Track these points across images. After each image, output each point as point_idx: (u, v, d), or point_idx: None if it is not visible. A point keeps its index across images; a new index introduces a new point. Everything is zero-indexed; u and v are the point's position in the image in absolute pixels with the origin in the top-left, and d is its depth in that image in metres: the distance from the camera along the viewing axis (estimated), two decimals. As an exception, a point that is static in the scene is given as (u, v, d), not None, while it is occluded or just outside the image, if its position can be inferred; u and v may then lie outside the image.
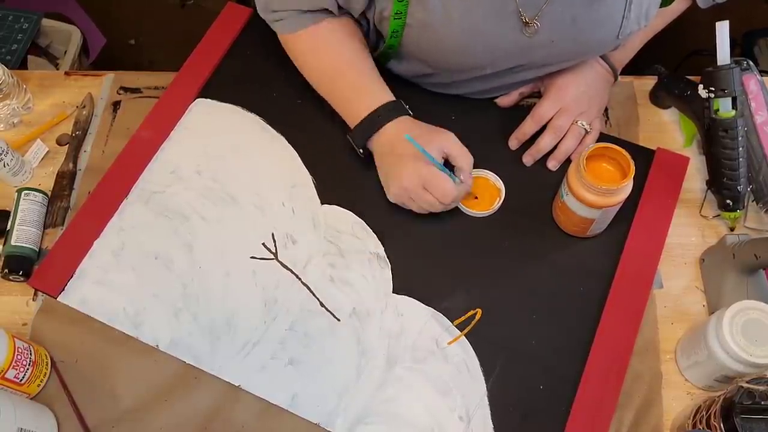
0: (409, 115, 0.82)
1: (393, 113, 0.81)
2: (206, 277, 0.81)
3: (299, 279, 0.81)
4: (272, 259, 0.83)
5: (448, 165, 0.80)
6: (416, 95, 0.90)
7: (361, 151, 0.84)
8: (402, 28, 0.78)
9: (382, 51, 0.85)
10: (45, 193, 0.87)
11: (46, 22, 1.35)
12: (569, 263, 0.82)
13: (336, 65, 0.84)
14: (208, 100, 0.93)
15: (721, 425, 0.65)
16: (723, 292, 0.78)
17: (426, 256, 0.82)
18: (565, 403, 0.74)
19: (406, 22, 0.77)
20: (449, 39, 0.76)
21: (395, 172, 0.80)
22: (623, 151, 0.75)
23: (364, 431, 0.73)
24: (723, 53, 0.76)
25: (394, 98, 0.82)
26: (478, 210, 0.84)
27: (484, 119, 0.90)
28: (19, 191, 0.85)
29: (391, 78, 0.87)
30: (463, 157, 0.79)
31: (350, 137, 0.83)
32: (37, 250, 0.84)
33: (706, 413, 0.67)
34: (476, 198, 0.85)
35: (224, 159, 0.89)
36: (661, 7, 0.81)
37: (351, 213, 0.85)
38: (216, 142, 0.90)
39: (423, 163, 0.77)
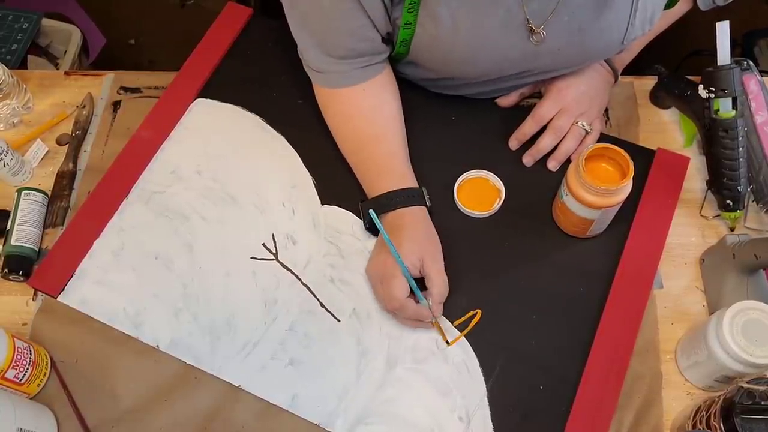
0: (425, 205, 0.80)
1: (409, 201, 0.78)
2: (206, 278, 0.81)
3: (299, 279, 0.81)
4: (272, 259, 0.83)
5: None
6: (417, 95, 0.90)
7: (366, 225, 0.81)
8: (411, 37, 0.77)
9: (390, 57, 0.85)
10: (45, 193, 0.87)
11: (46, 22, 1.34)
12: (569, 263, 0.82)
13: (368, 134, 0.82)
14: (209, 100, 0.93)
15: (721, 425, 0.64)
16: (723, 292, 0.78)
17: (426, 256, 0.82)
18: (565, 403, 0.74)
19: (415, 32, 0.76)
20: (457, 50, 0.75)
21: (373, 252, 0.80)
22: (622, 151, 0.75)
23: (364, 431, 0.73)
24: (723, 53, 0.76)
25: (416, 185, 0.80)
26: (478, 210, 0.84)
27: (484, 119, 0.90)
28: (19, 191, 0.85)
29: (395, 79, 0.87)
30: (436, 284, 0.74)
31: (361, 207, 0.82)
32: (37, 249, 0.84)
33: (706, 413, 0.67)
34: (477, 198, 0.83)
35: (224, 159, 0.89)
36: (665, 9, 0.81)
37: (351, 213, 0.85)
38: (216, 142, 0.90)
39: (392, 258, 0.74)
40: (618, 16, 0.75)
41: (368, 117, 0.82)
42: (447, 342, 0.77)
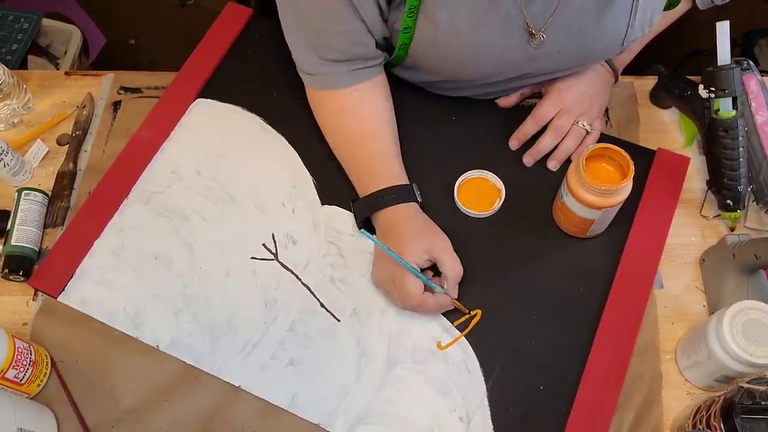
0: (417, 201, 0.80)
1: (400, 198, 0.78)
2: (206, 278, 0.81)
3: (299, 279, 0.81)
4: (272, 259, 0.83)
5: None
6: (417, 96, 0.90)
7: (359, 224, 0.81)
8: (410, 41, 0.77)
9: (389, 61, 0.85)
10: (45, 193, 0.87)
11: (46, 22, 1.34)
12: (569, 264, 0.82)
13: (359, 134, 0.82)
14: (209, 100, 0.93)
15: (721, 425, 0.64)
16: (723, 292, 0.78)
17: (426, 256, 0.82)
18: (565, 403, 0.74)
19: (414, 36, 0.76)
20: (456, 52, 0.75)
21: (377, 258, 0.80)
22: (623, 151, 0.75)
23: (364, 431, 0.73)
24: (723, 53, 0.76)
25: (407, 182, 0.80)
26: (478, 210, 0.84)
27: (484, 120, 0.90)
28: (20, 191, 0.85)
29: (394, 81, 0.86)
30: (449, 266, 0.75)
31: (353, 207, 0.82)
32: (38, 250, 0.84)
33: (706, 413, 0.67)
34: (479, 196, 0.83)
35: (224, 159, 0.89)
36: (664, 10, 0.81)
37: (351, 213, 0.85)
38: (216, 142, 0.90)
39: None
40: (618, 18, 0.75)
41: (359, 118, 0.82)
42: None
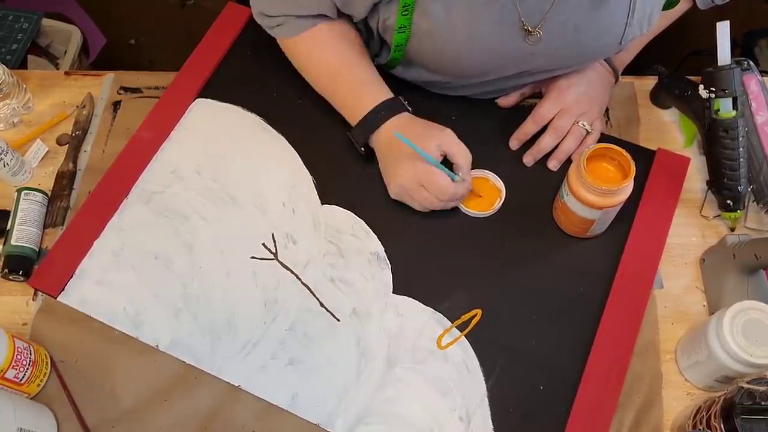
0: (408, 111, 0.83)
1: (392, 111, 0.81)
2: (206, 277, 0.81)
3: (299, 279, 0.81)
4: (272, 259, 0.83)
5: (448, 163, 0.80)
6: (417, 96, 0.90)
7: (362, 149, 0.84)
8: (405, 42, 0.78)
9: (387, 62, 0.86)
10: (45, 193, 0.87)
11: (46, 22, 1.34)
12: (570, 264, 0.82)
13: (335, 65, 0.84)
14: (209, 100, 0.93)
15: (722, 426, 0.64)
16: (723, 292, 0.78)
17: (426, 256, 0.82)
18: (565, 403, 0.74)
19: (409, 35, 0.77)
20: (452, 47, 0.76)
21: (393, 171, 0.81)
22: (624, 151, 0.75)
23: (364, 431, 0.73)
24: (723, 53, 0.76)
25: (392, 96, 0.83)
26: (478, 210, 0.84)
27: (484, 119, 0.90)
28: (19, 191, 0.85)
29: (393, 81, 0.87)
30: (461, 154, 0.79)
31: (351, 135, 0.84)
32: (37, 249, 0.84)
33: (707, 413, 0.67)
34: (480, 196, 0.84)
35: (224, 159, 0.89)
36: (663, 9, 0.81)
37: (351, 213, 0.85)
38: (216, 142, 0.90)
39: (420, 161, 0.78)
40: (615, 16, 0.75)
41: (334, 49, 0.85)
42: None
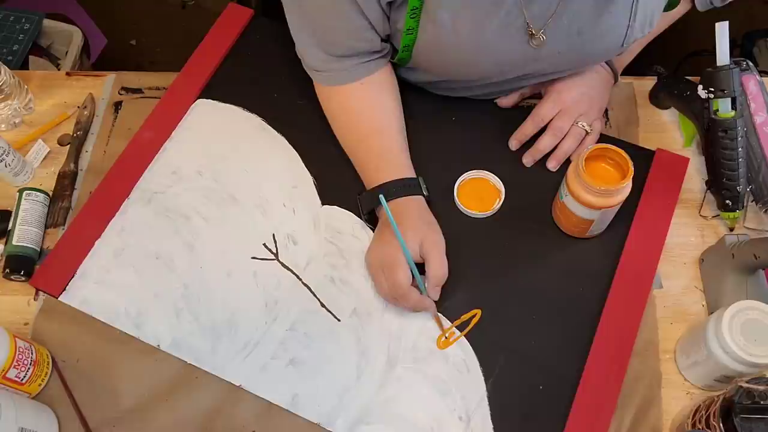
0: (423, 195, 0.80)
1: (405, 190, 0.79)
2: (207, 278, 0.81)
3: (300, 279, 0.82)
4: (273, 259, 0.83)
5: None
6: (418, 96, 0.90)
7: (365, 216, 0.82)
8: (413, 43, 0.78)
9: (393, 63, 0.85)
10: (46, 193, 0.87)
11: (48, 23, 1.35)
12: (569, 264, 0.82)
13: (368, 128, 0.83)
14: (210, 100, 0.93)
15: (721, 425, 0.65)
16: (722, 292, 0.79)
17: (426, 256, 0.82)
18: (564, 403, 0.74)
19: (417, 37, 0.77)
20: (458, 53, 0.76)
21: (372, 242, 0.80)
22: (622, 152, 0.75)
23: (365, 431, 0.74)
24: (722, 54, 0.76)
25: (413, 175, 0.81)
26: (478, 210, 0.84)
27: (484, 119, 0.91)
28: (21, 191, 0.85)
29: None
30: (436, 267, 0.74)
31: (359, 199, 0.82)
32: (39, 249, 0.84)
33: (706, 413, 0.67)
34: (482, 198, 0.83)
35: (225, 159, 0.89)
36: (664, 11, 0.81)
37: (351, 213, 0.85)
38: (217, 142, 0.90)
39: (395, 245, 0.74)
40: (618, 19, 0.75)
41: (368, 111, 0.83)
42: (446, 335, 0.77)
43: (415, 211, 0.78)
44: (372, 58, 0.81)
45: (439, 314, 0.79)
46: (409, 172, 0.81)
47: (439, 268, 0.75)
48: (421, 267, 0.76)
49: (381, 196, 0.74)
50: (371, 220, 0.82)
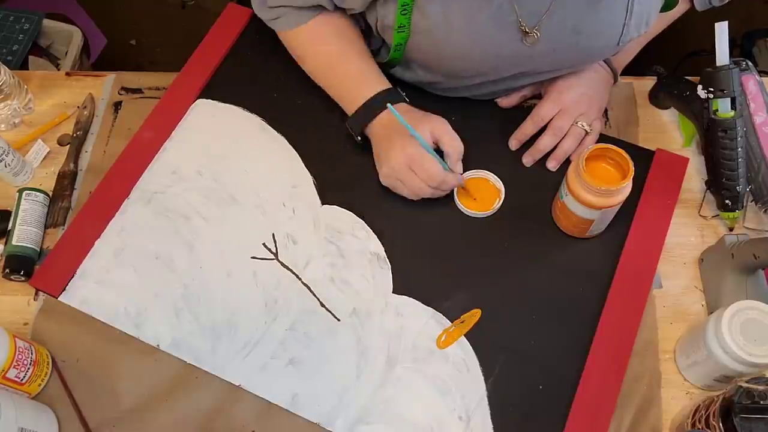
0: (405, 101, 0.83)
1: (389, 100, 0.81)
2: (207, 277, 0.81)
3: (299, 279, 0.82)
4: (273, 259, 0.83)
5: (440, 153, 0.80)
6: (417, 96, 0.90)
7: (359, 138, 0.85)
8: (405, 42, 0.79)
9: (386, 62, 0.86)
10: (46, 193, 0.87)
11: (47, 23, 1.35)
12: (569, 264, 0.82)
13: (333, 56, 0.86)
14: (209, 100, 0.93)
15: (720, 425, 0.65)
16: (722, 291, 0.79)
17: (426, 256, 0.82)
18: (564, 403, 0.74)
19: (409, 35, 0.77)
20: (450, 46, 0.76)
21: (385, 154, 0.81)
22: (622, 152, 0.75)
23: (364, 431, 0.74)
24: (722, 54, 0.76)
25: (390, 86, 0.84)
26: (478, 210, 0.84)
27: (484, 120, 0.91)
28: (20, 191, 0.85)
29: (393, 82, 0.87)
30: (452, 144, 0.80)
31: (348, 125, 0.84)
32: (39, 249, 0.84)
33: (705, 413, 0.67)
34: (475, 199, 0.85)
35: (225, 159, 0.89)
36: (661, 11, 0.81)
37: (351, 213, 0.85)
38: (217, 142, 0.90)
39: (411, 144, 0.78)
40: (613, 18, 0.75)
41: (332, 40, 0.86)
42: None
43: (408, 110, 0.81)
44: (324, 11, 0.85)
45: (438, 313, 0.79)
46: (385, 84, 0.84)
47: (455, 143, 0.80)
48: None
49: (390, 105, 0.78)
50: (364, 138, 0.85)
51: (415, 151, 0.78)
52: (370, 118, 0.82)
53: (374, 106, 0.82)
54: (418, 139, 0.77)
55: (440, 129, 0.79)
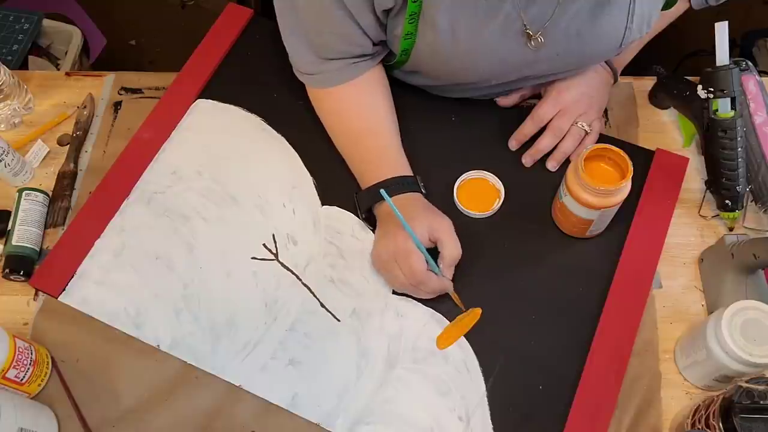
0: (421, 192, 0.81)
1: (403, 187, 0.79)
2: (207, 278, 0.81)
3: (300, 280, 0.82)
4: (273, 259, 0.83)
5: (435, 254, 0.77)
6: (418, 96, 0.90)
7: (363, 215, 0.83)
8: (411, 47, 0.78)
9: (391, 64, 0.85)
10: (46, 193, 0.87)
11: (47, 23, 1.35)
12: (569, 264, 0.82)
13: (362, 128, 0.83)
14: (209, 100, 0.93)
15: (720, 425, 0.65)
16: (722, 291, 0.79)
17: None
18: (564, 403, 0.74)
19: (416, 42, 0.77)
20: (456, 57, 0.76)
21: (378, 239, 0.80)
22: (621, 152, 0.75)
23: (364, 431, 0.74)
24: (722, 54, 0.76)
25: (410, 173, 0.81)
26: (478, 211, 0.84)
27: (484, 120, 0.91)
28: (20, 191, 0.85)
29: (394, 82, 0.87)
30: (448, 246, 0.75)
31: (356, 198, 0.83)
32: (38, 250, 0.84)
33: (705, 413, 0.67)
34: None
35: (225, 160, 0.89)
36: (663, 10, 0.81)
37: (351, 214, 0.85)
38: (217, 142, 0.90)
39: (403, 236, 0.74)
40: (615, 21, 0.75)
41: (361, 112, 0.83)
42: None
43: (416, 202, 0.79)
44: (363, 59, 0.81)
45: (438, 314, 0.79)
46: (406, 171, 0.81)
47: (453, 248, 0.76)
48: (431, 253, 0.76)
49: (382, 191, 0.74)
50: (369, 219, 0.83)
51: (404, 245, 0.74)
52: (377, 200, 0.78)
53: (387, 189, 0.77)
54: (410, 233, 0.73)
55: (441, 228, 0.76)
